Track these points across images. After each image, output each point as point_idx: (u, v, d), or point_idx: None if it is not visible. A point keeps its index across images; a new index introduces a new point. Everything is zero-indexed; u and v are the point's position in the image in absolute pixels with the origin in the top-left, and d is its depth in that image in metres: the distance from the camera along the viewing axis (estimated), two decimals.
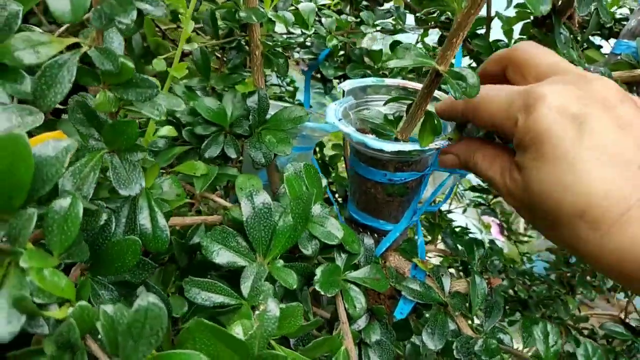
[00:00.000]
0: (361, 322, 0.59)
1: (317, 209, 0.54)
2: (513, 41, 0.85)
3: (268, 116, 0.70)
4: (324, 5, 0.92)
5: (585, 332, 1.24)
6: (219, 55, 0.86)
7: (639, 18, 0.70)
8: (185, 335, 0.38)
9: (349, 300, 0.53)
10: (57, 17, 0.33)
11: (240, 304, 0.47)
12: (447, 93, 0.89)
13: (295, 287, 0.48)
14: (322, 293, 0.50)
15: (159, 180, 0.53)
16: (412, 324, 0.68)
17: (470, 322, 0.63)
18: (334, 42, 0.72)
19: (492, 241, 1.13)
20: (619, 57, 0.73)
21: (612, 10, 0.85)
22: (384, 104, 0.62)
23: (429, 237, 1.04)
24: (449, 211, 1.31)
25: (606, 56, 0.78)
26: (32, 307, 0.29)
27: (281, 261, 0.50)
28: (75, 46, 0.37)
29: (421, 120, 0.57)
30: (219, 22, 0.74)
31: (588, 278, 1.18)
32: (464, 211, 1.56)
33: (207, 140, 0.69)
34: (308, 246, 0.52)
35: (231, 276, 0.50)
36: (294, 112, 0.69)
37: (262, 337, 0.40)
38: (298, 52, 0.81)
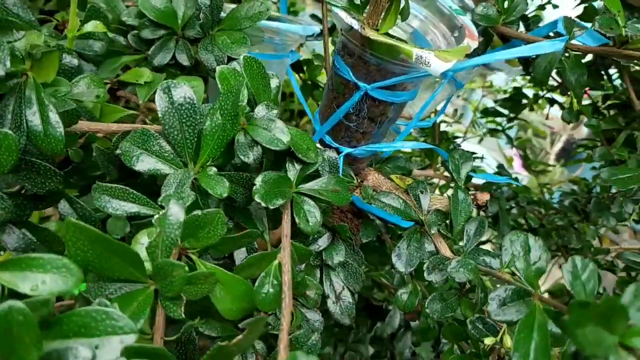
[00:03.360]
0: (322, 242, 0.52)
1: (261, 110, 0.46)
2: None
3: (224, 15, 0.61)
4: None
5: (606, 265, 1.15)
6: None
7: None
8: None
9: (301, 214, 0.45)
10: None
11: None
12: None
13: (225, 195, 0.40)
14: (263, 205, 0.42)
15: (76, 79, 0.46)
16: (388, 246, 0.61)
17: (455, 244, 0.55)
18: None
19: (500, 165, 1.02)
20: None
21: None
22: None
23: (427, 162, 0.95)
24: (462, 138, 1.20)
25: None
26: None
27: (214, 169, 0.42)
28: None
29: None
30: None
31: (611, 206, 1.07)
32: (480, 141, 1.44)
33: (155, 45, 0.60)
34: (249, 153, 0.44)
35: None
36: (253, 8, 0.60)
37: (164, 244, 0.33)
38: None
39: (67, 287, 0.27)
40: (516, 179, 1.08)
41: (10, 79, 0.37)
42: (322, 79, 0.93)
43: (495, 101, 1.09)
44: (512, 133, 1.55)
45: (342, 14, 0.49)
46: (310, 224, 0.46)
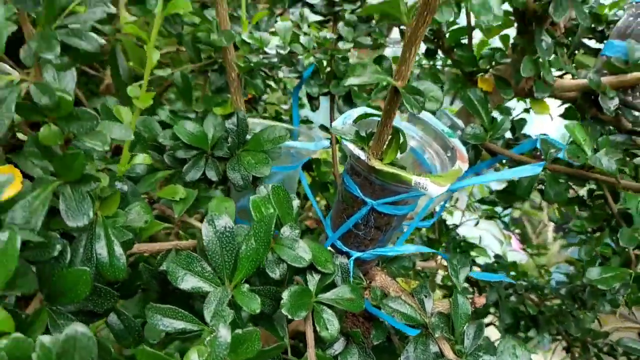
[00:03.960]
0: (337, 347, 0.57)
1: (286, 230, 0.54)
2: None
3: (249, 137, 0.71)
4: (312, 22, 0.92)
5: (605, 348, 1.18)
6: (202, 82, 0.87)
7: (626, 18, 0.67)
8: None
9: (321, 323, 0.52)
10: None
11: (203, 330, 0.46)
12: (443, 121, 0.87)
13: (258, 311, 0.47)
14: (290, 317, 0.49)
15: (129, 207, 0.54)
16: (397, 346, 0.66)
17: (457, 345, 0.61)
18: (311, 59, 0.72)
19: (497, 255, 1.09)
20: (610, 59, 0.70)
21: (606, 12, 0.82)
22: (354, 121, 0.61)
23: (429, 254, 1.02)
24: (457, 224, 1.28)
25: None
26: None
27: (246, 285, 0.49)
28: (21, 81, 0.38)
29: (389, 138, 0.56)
30: (201, 46, 0.75)
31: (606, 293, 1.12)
32: (476, 224, 1.51)
33: (187, 164, 0.69)
34: (276, 270, 0.52)
35: None
36: (274, 133, 0.69)
37: None
38: (283, 72, 0.81)
39: None
40: (514, 264, 1.14)
41: None
42: (329, 177, 1.02)
43: (491, 192, 1.17)
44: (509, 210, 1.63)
45: (351, 146, 0.59)
46: (330, 331, 0.52)
